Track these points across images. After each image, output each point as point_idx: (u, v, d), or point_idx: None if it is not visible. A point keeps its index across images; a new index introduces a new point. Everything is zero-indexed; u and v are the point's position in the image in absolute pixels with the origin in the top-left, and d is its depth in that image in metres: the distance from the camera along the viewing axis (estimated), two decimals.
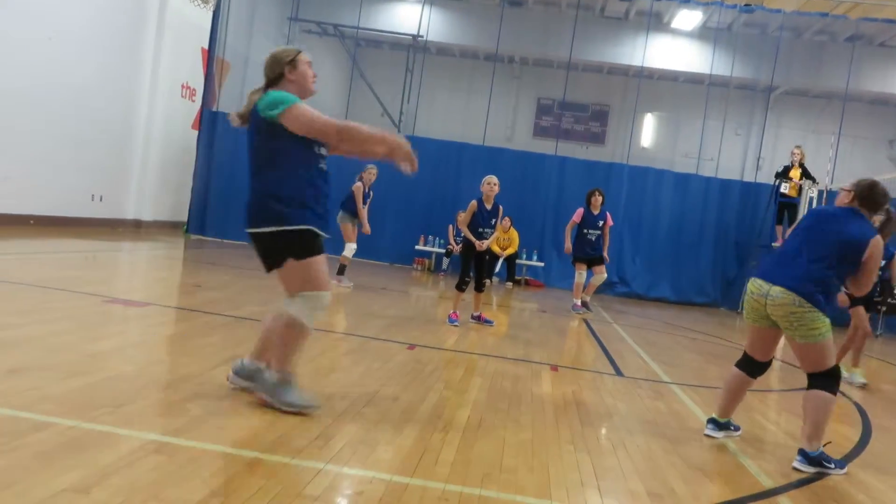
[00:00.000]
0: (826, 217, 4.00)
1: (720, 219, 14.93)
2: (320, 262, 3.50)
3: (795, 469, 3.72)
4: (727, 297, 14.78)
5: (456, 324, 7.38)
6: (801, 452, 3.75)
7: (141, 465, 2.57)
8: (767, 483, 3.42)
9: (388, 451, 3.13)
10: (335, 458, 2.94)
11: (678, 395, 5.34)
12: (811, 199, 12.95)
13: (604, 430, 4.05)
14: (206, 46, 15.13)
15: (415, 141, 16.75)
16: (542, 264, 14.88)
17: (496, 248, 14.19)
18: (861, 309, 7.13)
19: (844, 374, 6.62)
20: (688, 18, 16.61)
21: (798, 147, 13.78)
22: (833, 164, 15.28)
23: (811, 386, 3.82)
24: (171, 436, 2.92)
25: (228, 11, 15.07)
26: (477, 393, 4.48)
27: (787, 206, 13.49)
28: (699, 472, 3.45)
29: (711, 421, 4.20)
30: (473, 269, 7.63)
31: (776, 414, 5.32)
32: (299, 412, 3.44)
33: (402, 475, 2.86)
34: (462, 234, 7.59)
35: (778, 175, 13.72)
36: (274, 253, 3.45)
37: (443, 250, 14.63)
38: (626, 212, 14.94)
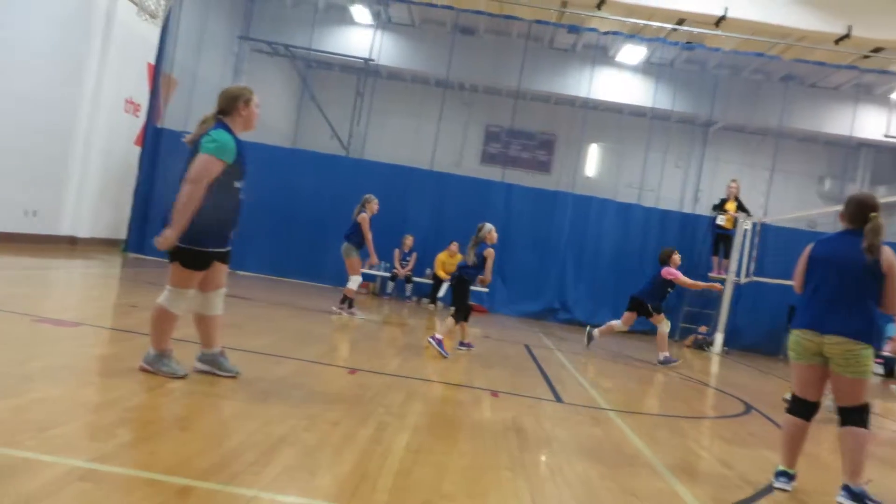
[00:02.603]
0: (837, 247, 4.04)
1: (660, 248, 15.26)
2: (198, 274, 4.40)
3: (840, 503, 3.85)
4: None
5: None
6: (846, 488, 3.85)
7: (65, 494, 2.48)
8: None
9: (325, 478, 3.09)
10: (270, 485, 2.88)
11: (616, 421, 5.42)
12: (745, 231, 13.41)
13: (543, 457, 4.08)
14: (153, 61, 14.88)
15: (364, 164, 16.79)
16: (486, 290, 14.97)
17: (442, 274, 14.24)
18: None
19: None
20: (632, 53, 17.14)
21: (734, 181, 14.30)
22: (767, 198, 15.89)
23: (847, 422, 3.92)
24: (99, 462, 2.82)
25: (178, 27, 14.87)
26: (417, 418, 4.47)
27: (722, 238, 13.95)
28: (634, 498, 3.51)
29: (783, 474, 4.09)
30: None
31: (709, 441, 5.45)
32: (174, 377, 4.36)
33: (339, 502, 2.83)
34: (473, 276, 8.00)
35: (715, 207, 14.19)
36: (172, 255, 4.35)
37: (388, 274, 14.59)
38: (569, 239, 15.19)
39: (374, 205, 10.16)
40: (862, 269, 3.89)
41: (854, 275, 3.90)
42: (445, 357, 7.28)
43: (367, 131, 16.94)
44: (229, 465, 3.04)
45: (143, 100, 15.03)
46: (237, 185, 4.43)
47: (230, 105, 4.41)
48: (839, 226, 4.16)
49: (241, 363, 5.13)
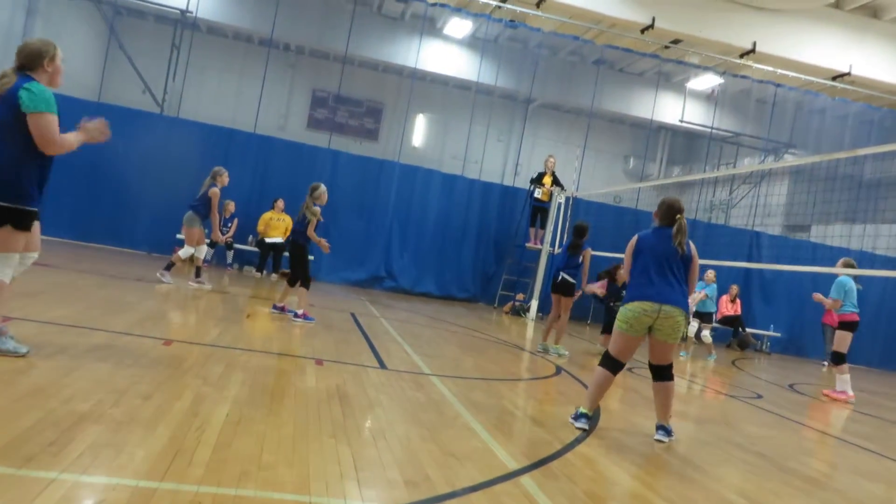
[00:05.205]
0: (663, 240, 4.84)
1: (482, 219, 15.90)
2: (25, 235, 4.16)
3: (659, 441, 4.68)
4: (486, 292, 15.79)
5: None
6: (661, 427, 4.74)
7: None
8: (512, 465, 3.72)
9: (136, 455, 2.91)
10: (73, 466, 2.68)
11: (437, 385, 5.60)
12: (560, 204, 14.27)
13: (366, 422, 4.13)
14: None
15: (180, 123, 15.69)
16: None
17: (266, 232, 13.91)
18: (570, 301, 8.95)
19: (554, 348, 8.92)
20: (459, 26, 17.42)
21: (551, 156, 15.14)
22: (579, 174, 16.98)
23: (662, 378, 4.81)
24: None
25: None
26: (238, 389, 4.34)
27: (539, 210, 14.76)
28: (452, 458, 3.65)
29: (584, 416, 4.82)
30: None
31: (524, 401, 5.79)
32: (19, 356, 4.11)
33: (151, 479, 2.69)
34: (308, 239, 8.06)
35: (533, 181, 14.96)
36: None
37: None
38: (395, 208, 15.34)
39: (224, 178, 10.11)
40: (679, 257, 4.82)
41: (673, 261, 4.81)
42: (314, 322, 7.91)
43: (183, 88, 15.89)
44: (22, 446, 2.77)
45: None
46: None
47: (34, 62, 4.16)
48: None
49: (39, 335, 4.70)
